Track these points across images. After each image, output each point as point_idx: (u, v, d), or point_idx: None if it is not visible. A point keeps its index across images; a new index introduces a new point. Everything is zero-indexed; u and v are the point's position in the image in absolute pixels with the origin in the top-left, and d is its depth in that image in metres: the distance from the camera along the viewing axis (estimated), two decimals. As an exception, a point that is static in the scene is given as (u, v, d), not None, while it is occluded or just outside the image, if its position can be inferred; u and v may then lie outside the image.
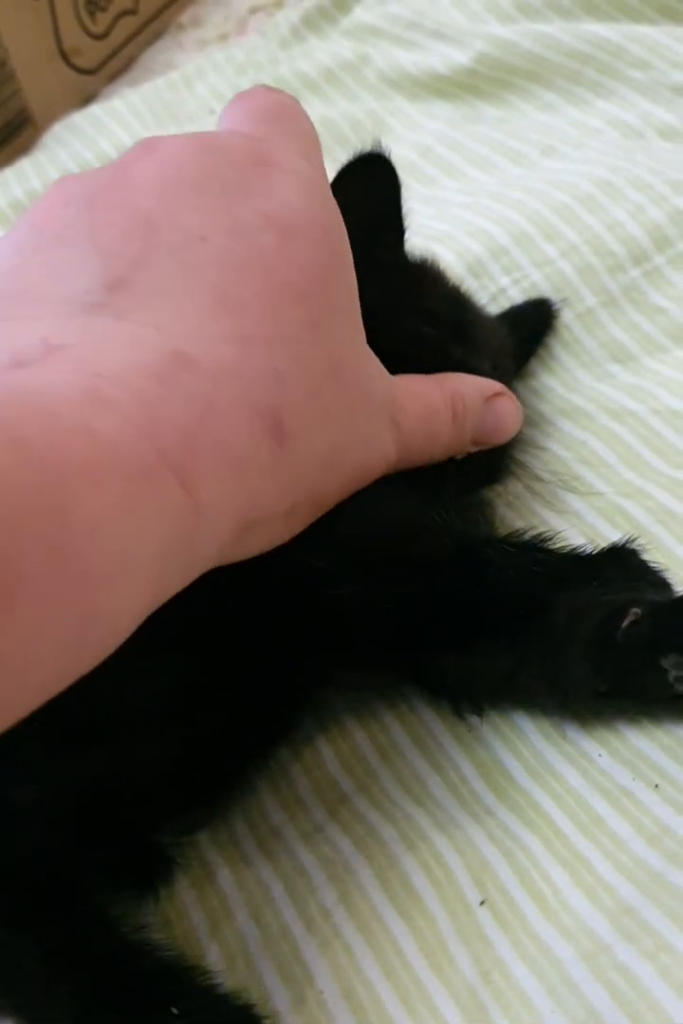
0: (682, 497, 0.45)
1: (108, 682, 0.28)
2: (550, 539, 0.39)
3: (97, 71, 0.94)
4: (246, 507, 0.32)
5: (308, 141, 0.39)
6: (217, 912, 0.38)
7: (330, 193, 0.38)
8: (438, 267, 0.49)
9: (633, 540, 0.40)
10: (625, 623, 0.35)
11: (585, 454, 0.49)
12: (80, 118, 0.85)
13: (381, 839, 0.38)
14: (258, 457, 0.32)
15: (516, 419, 0.44)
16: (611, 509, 0.45)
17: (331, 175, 0.41)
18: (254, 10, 0.95)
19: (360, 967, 0.35)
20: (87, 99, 0.92)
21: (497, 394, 0.43)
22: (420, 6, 0.79)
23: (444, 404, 0.41)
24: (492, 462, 0.45)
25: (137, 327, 0.32)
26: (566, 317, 0.55)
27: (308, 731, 0.42)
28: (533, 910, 0.34)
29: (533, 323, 0.55)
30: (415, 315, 0.44)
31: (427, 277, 0.48)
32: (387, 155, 0.44)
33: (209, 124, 0.69)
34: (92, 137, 0.82)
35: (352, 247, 0.38)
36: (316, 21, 0.84)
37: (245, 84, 0.79)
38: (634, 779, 0.36)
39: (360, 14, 0.82)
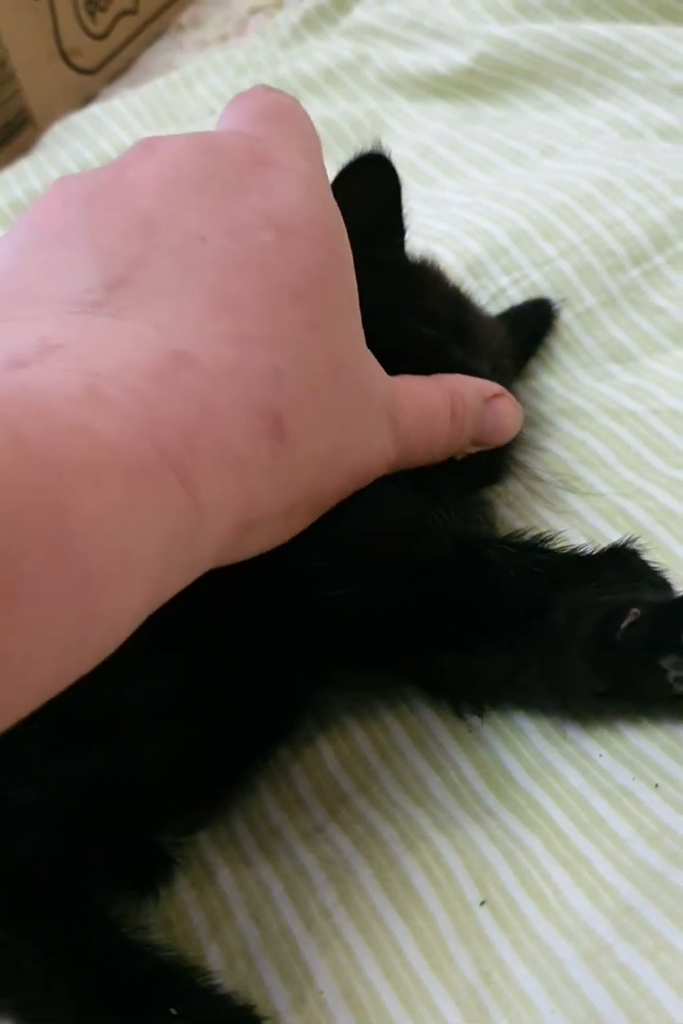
0: (682, 497, 0.45)
1: (108, 682, 0.28)
2: (550, 539, 0.39)
3: (97, 71, 0.94)
4: (246, 507, 0.32)
5: (308, 141, 0.39)
6: (217, 912, 0.38)
7: (330, 193, 0.38)
8: (438, 267, 0.49)
9: (633, 540, 0.40)
10: (624, 623, 0.35)
11: (585, 454, 0.49)
12: (80, 118, 0.85)
13: (381, 839, 0.38)
14: (258, 457, 0.32)
15: (515, 420, 0.44)
16: (611, 509, 0.45)
17: (331, 175, 0.41)
18: (254, 11, 0.95)
19: (360, 967, 0.35)
20: (87, 99, 0.92)
21: (496, 395, 0.43)
22: (420, 6, 0.79)
23: (443, 404, 0.41)
24: (492, 463, 0.45)
25: (136, 326, 0.32)
26: (566, 317, 0.55)
27: (308, 731, 0.42)
28: (533, 910, 0.34)
29: (533, 323, 0.55)
30: (415, 315, 0.44)
31: (427, 277, 0.48)
32: (387, 155, 0.44)
33: (209, 125, 0.69)
34: (92, 137, 0.82)
35: (352, 247, 0.38)
36: (316, 21, 0.84)
37: (245, 84, 0.79)
38: (634, 779, 0.36)
39: (360, 14, 0.82)
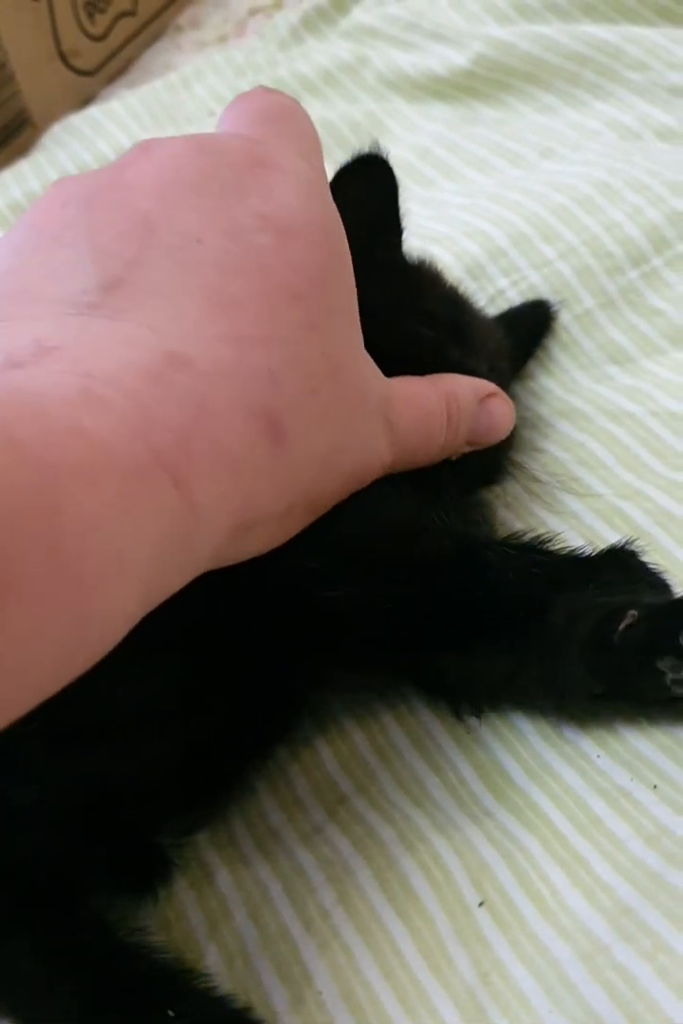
0: (681, 499, 0.45)
1: (104, 683, 0.28)
2: (549, 541, 0.39)
3: (96, 72, 0.94)
4: (242, 508, 0.32)
5: (308, 142, 0.39)
6: (215, 913, 0.38)
7: (330, 194, 0.38)
8: (436, 268, 0.49)
9: (632, 542, 0.40)
10: (621, 625, 0.35)
11: (583, 456, 0.49)
12: (79, 120, 0.85)
13: (380, 840, 0.38)
14: (254, 458, 0.32)
15: (509, 419, 0.44)
16: (610, 511, 0.45)
17: (330, 177, 0.41)
18: (253, 12, 0.95)
19: (359, 968, 0.35)
20: (86, 101, 0.92)
21: (491, 394, 0.43)
22: (418, 7, 0.79)
23: (439, 406, 0.41)
24: (487, 462, 0.45)
25: (133, 328, 0.32)
26: (564, 319, 0.55)
27: (307, 732, 0.42)
28: (531, 911, 0.34)
29: (531, 325, 0.55)
30: (413, 316, 0.44)
31: (425, 278, 0.48)
32: (385, 156, 0.44)
33: (208, 126, 0.69)
34: (91, 139, 0.82)
35: (350, 248, 0.38)
36: (315, 23, 0.84)
37: (244, 86, 0.79)
38: (632, 780, 0.36)
39: (358, 16, 0.82)
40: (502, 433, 0.44)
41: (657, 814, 0.35)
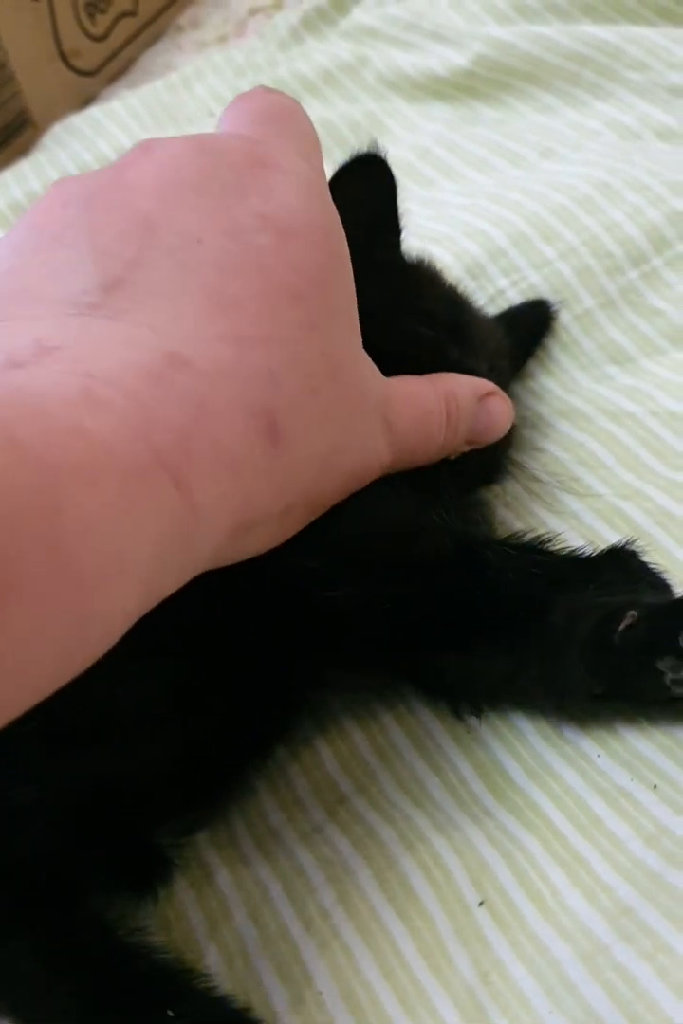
0: (681, 499, 0.45)
1: (102, 682, 0.28)
2: (549, 541, 0.39)
3: (96, 73, 0.94)
4: (242, 508, 0.32)
5: (308, 142, 0.39)
6: (215, 913, 0.38)
7: (329, 194, 0.38)
8: (435, 268, 0.49)
9: (632, 542, 0.40)
10: (621, 626, 0.35)
11: (584, 456, 0.49)
12: (79, 120, 0.85)
13: (380, 840, 0.38)
14: (253, 458, 0.32)
15: (508, 418, 0.44)
16: (610, 511, 0.45)
17: (329, 176, 0.41)
18: (253, 12, 0.95)
19: (359, 968, 0.35)
20: (86, 101, 0.92)
21: (489, 393, 0.43)
22: (418, 8, 0.79)
23: (438, 405, 0.41)
24: (487, 461, 0.45)
25: (133, 328, 0.32)
26: (564, 319, 0.55)
27: (306, 732, 0.42)
28: (531, 911, 0.34)
29: (531, 324, 0.55)
30: (412, 315, 0.44)
31: (424, 278, 0.48)
32: (383, 156, 0.44)
33: (208, 126, 0.69)
34: (91, 139, 0.82)
35: (349, 248, 0.38)
36: (315, 23, 0.84)
37: (244, 86, 0.79)
38: (632, 780, 0.36)
39: (358, 16, 0.82)
40: (501, 432, 0.44)
41: (657, 814, 0.35)
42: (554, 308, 0.55)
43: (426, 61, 0.75)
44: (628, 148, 0.63)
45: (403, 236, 0.47)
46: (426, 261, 0.49)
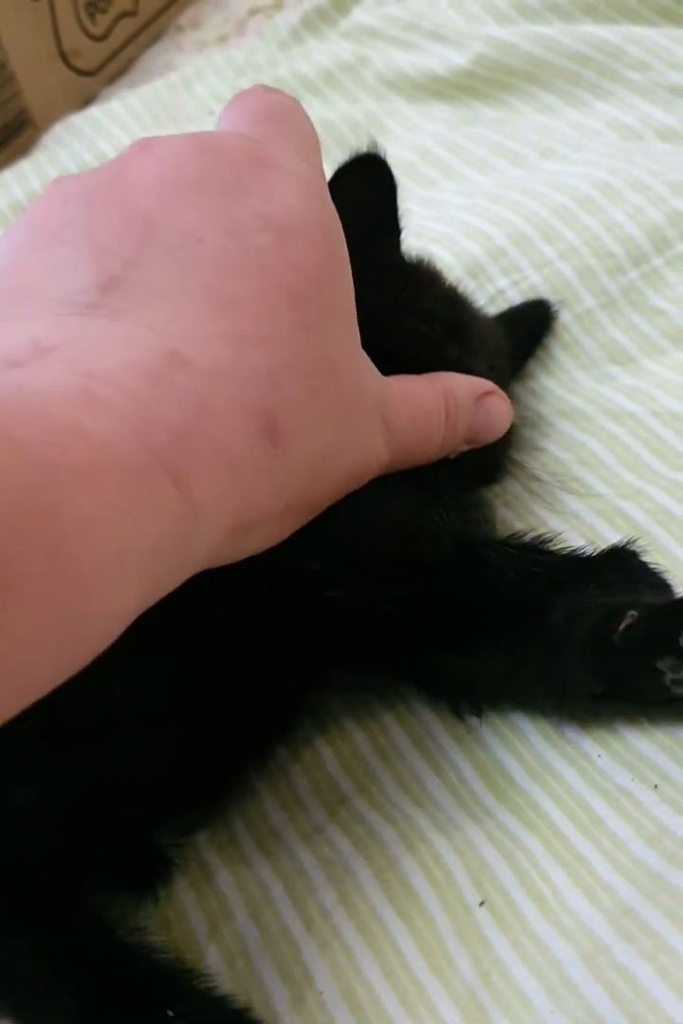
0: (681, 499, 0.45)
1: (100, 681, 0.28)
2: (550, 541, 0.39)
3: (97, 73, 0.94)
4: (240, 507, 0.32)
5: (307, 141, 0.39)
6: (216, 913, 0.38)
7: (329, 194, 0.38)
8: (435, 267, 0.49)
9: (633, 542, 0.40)
10: (621, 626, 0.35)
11: (584, 456, 0.49)
12: (79, 120, 0.85)
13: (381, 840, 0.38)
14: (252, 458, 0.32)
15: (506, 417, 0.44)
16: (610, 511, 0.45)
17: (329, 176, 0.41)
18: (253, 12, 0.95)
19: (360, 968, 0.35)
20: (87, 101, 0.92)
21: (488, 392, 0.43)
22: (418, 8, 0.79)
23: (437, 404, 0.41)
24: (486, 461, 0.45)
25: (132, 327, 0.32)
26: (565, 318, 0.55)
27: (307, 732, 0.42)
28: (532, 911, 0.34)
29: (531, 324, 0.55)
30: (412, 315, 0.44)
31: (424, 277, 0.48)
32: (383, 155, 0.44)
33: (208, 126, 0.69)
34: (91, 139, 0.82)
35: (348, 248, 0.38)
36: (315, 23, 0.84)
37: (244, 86, 0.79)
38: (633, 780, 0.36)
39: (359, 16, 0.82)
40: (499, 430, 0.44)
41: (658, 814, 0.35)
42: (555, 308, 0.55)
43: (426, 61, 0.75)
44: (629, 148, 0.63)
45: (403, 236, 0.47)
46: (426, 261, 0.49)
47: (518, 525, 0.45)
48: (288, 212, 0.35)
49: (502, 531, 0.44)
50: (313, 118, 0.41)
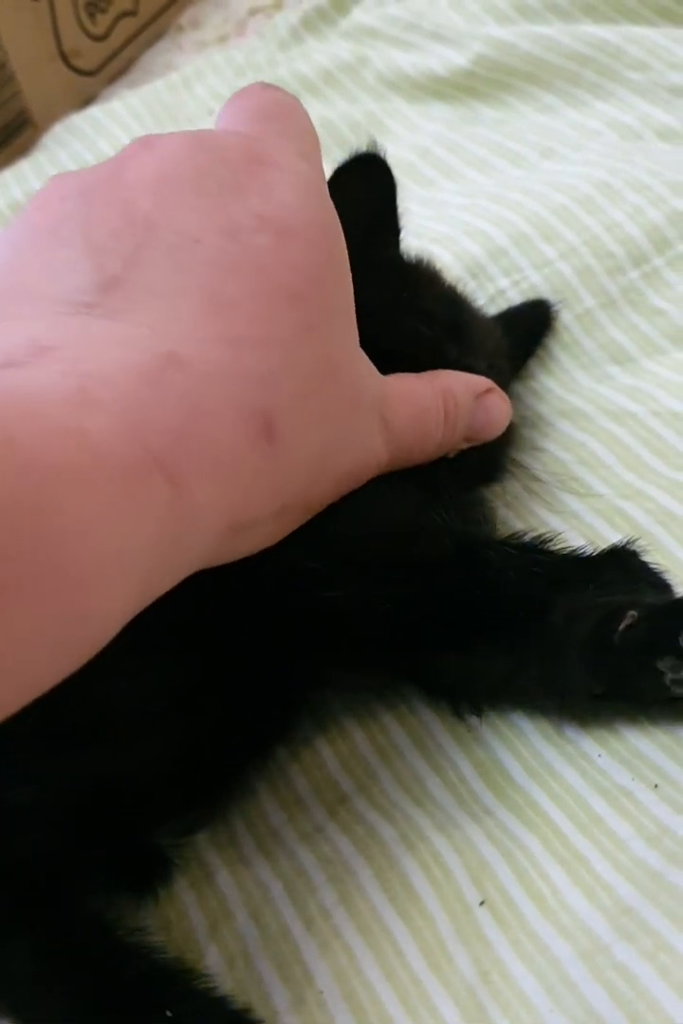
0: (682, 499, 0.45)
1: (100, 680, 0.28)
2: (550, 540, 0.39)
3: (97, 72, 0.94)
4: (237, 508, 0.32)
5: (307, 140, 0.39)
6: (216, 913, 0.38)
7: (328, 193, 0.38)
8: (434, 267, 0.49)
9: (633, 542, 0.40)
10: (621, 626, 0.35)
11: (584, 455, 0.49)
12: (80, 119, 0.85)
13: (381, 839, 0.38)
14: (249, 458, 0.32)
15: (506, 415, 0.44)
16: (611, 511, 0.45)
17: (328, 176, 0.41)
18: (253, 12, 0.95)
19: (360, 967, 0.35)
20: (87, 101, 0.92)
21: (487, 391, 0.43)
22: (418, 8, 0.79)
23: (436, 403, 0.41)
24: (486, 460, 0.45)
25: (129, 328, 0.32)
26: (565, 318, 0.55)
27: (307, 732, 0.42)
28: (532, 910, 0.34)
29: (531, 324, 0.55)
30: (411, 314, 0.44)
31: (423, 277, 0.48)
32: (382, 155, 0.44)
33: (208, 125, 0.69)
34: (92, 139, 0.82)
35: (348, 247, 0.38)
36: (315, 23, 0.84)
37: (244, 85, 0.79)
38: (633, 779, 0.36)
39: (358, 16, 0.82)
40: (499, 429, 0.44)
41: (658, 813, 0.35)
42: (554, 308, 0.55)
43: (426, 61, 0.75)
44: (629, 148, 0.63)
45: (403, 236, 0.47)
46: (425, 261, 0.49)
47: (518, 525, 0.45)
48: (287, 211, 0.35)
49: (502, 531, 0.44)
50: (313, 118, 0.41)
